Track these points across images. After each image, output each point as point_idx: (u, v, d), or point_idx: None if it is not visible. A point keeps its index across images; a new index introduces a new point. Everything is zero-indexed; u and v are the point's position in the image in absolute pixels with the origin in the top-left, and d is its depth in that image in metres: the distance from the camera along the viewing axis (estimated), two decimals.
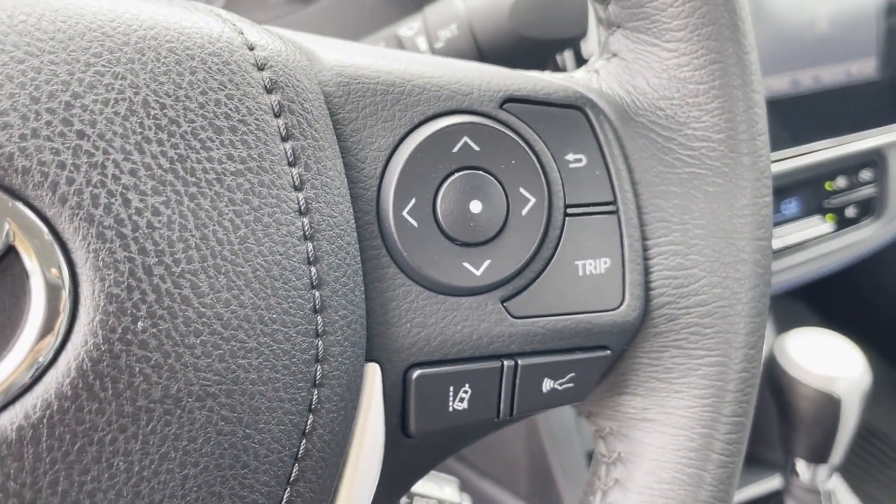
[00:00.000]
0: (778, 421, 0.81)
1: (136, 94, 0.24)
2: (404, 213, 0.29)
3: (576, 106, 0.32)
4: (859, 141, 0.88)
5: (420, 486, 0.43)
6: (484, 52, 0.50)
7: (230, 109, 0.25)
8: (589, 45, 0.67)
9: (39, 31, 0.23)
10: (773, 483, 0.98)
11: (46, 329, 0.22)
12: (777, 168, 0.82)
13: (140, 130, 0.23)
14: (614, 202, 0.31)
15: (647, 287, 0.32)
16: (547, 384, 0.31)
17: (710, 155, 0.31)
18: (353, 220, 0.28)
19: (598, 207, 0.31)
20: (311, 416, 0.26)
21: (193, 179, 0.24)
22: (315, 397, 0.26)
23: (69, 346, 0.22)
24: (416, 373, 0.29)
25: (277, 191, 0.25)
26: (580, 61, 0.68)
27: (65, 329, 0.22)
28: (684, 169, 0.32)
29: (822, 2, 0.83)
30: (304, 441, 0.26)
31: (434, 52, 0.51)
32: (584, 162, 0.31)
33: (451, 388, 0.30)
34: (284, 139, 0.26)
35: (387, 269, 0.29)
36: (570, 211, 0.31)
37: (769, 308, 0.33)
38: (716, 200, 0.31)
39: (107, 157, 0.23)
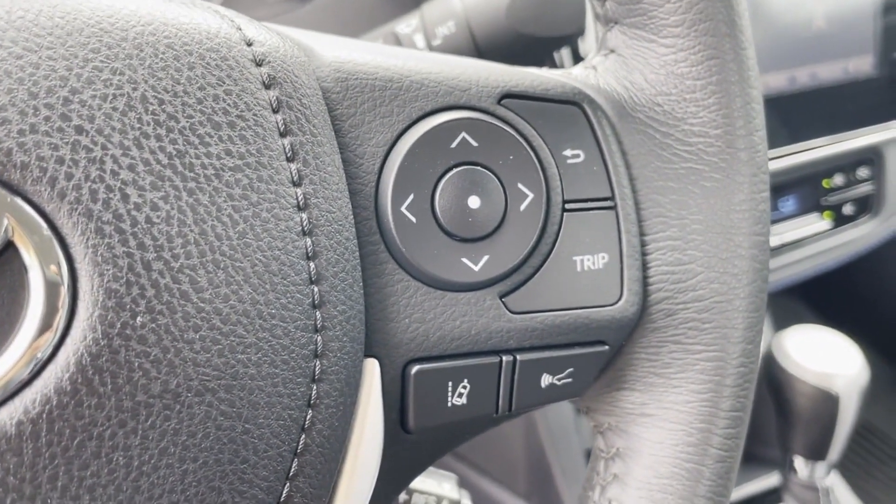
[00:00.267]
0: (776, 418, 0.81)
1: (135, 89, 0.24)
2: (403, 209, 0.29)
3: (573, 102, 0.32)
4: (856, 138, 0.88)
5: (419, 483, 0.43)
6: (481, 49, 0.50)
7: (228, 105, 0.25)
8: (586, 45, 0.67)
9: (37, 26, 0.23)
10: (771, 480, 0.98)
11: (45, 325, 0.22)
12: (774, 165, 0.83)
13: (138, 126, 0.23)
14: (612, 198, 0.31)
15: (644, 282, 0.32)
16: (545, 379, 0.31)
17: (708, 150, 0.31)
18: (352, 216, 0.28)
19: (596, 203, 0.31)
20: (310, 411, 0.26)
21: (192, 175, 0.24)
22: (314, 392, 0.26)
23: (68, 341, 0.22)
24: (415, 368, 0.29)
25: (276, 186, 0.25)
26: (577, 59, 0.68)
27: (63, 325, 0.22)
28: (682, 164, 0.32)
29: None
30: (303, 436, 0.26)
31: (432, 49, 0.51)
32: (582, 157, 0.31)
33: (450, 384, 0.30)
34: (283, 135, 0.26)
35: (385, 265, 0.29)
36: (568, 206, 0.31)
37: (766, 306, 0.33)
38: (713, 196, 0.31)
39: (105, 152, 0.23)
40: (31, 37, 0.23)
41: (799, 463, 0.81)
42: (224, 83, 0.25)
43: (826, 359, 0.76)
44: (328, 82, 0.28)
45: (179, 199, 0.24)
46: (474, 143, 0.29)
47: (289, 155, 0.26)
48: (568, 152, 0.31)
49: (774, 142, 0.82)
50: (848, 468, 1.20)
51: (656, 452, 0.32)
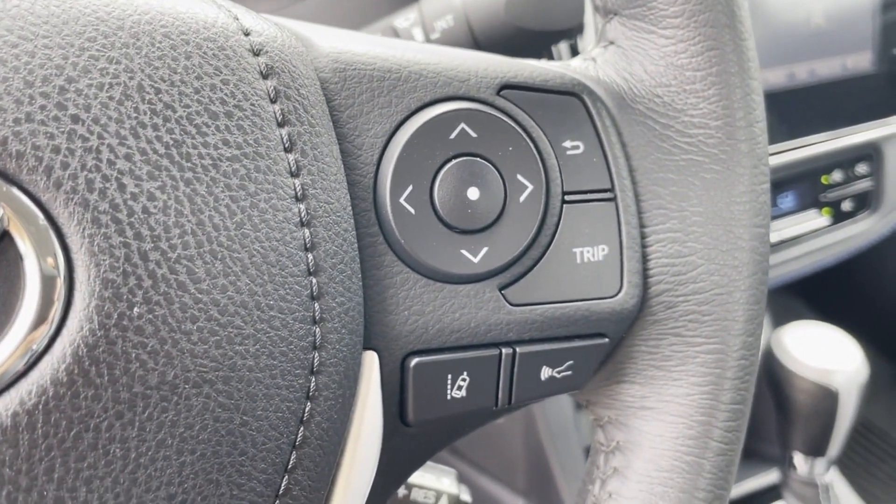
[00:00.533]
0: (775, 414, 0.81)
1: (131, 78, 0.23)
2: (401, 200, 0.28)
3: (573, 93, 0.31)
4: (855, 134, 0.88)
5: (418, 477, 0.43)
6: (480, 43, 0.50)
7: (226, 95, 0.25)
8: (585, 42, 0.67)
9: (33, 15, 0.23)
10: (770, 477, 0.98)
11: (41, 316, 0.22)
12: (773, 161, 0.82)
13: (135, 115, 0.23)
14: (612, 189, 0.31)
15: (645, 274, 0.32)
16: (545, 372, 0.31)
17: (708, 142, 0.31)
18: (350, 207, 0.27)
19: (596, 194, 0.31)
20: (308, 403, 0.26)
21: (189, 165, 0.24)
22: (313, 384, 0.26)
23: (65, 331, 0.22)
24: (414, 361, 0.29)
25: (274, 176, 0.25)
26: (575, 54, 0.68)
27: (59, 316, 0.22)
28: (682, 156, 0.31)
29: None
30: (301, 428, 0.26)
31: (430, 43, 0.51)
32: (582, 149, 0.31)
33: (450, 376, 0.30)
34: (280, 125, 0.26)
35: (384, 257, 0.29)
36: (567, 198, 0.31)
37: (766, 302, 0.33)
38: (713, 187, 0.31)
39: (101, 141, 0.23)
40: (27, 25, 0.23)
41: (798, 459, 0.81)
42: (221, 73, 0.25)
43: (825, 355, 0.76)
44: (326, 73, 0.28)
45: (176, 189, 0.23)
46: (473, 134, 0.29)
47: (287, 145, 0.26)
48: (567, 143, 0.31)
49: (773, 138, 0.82)
50: (847, 466, 1.21)
51: (657, 445, 0.32)
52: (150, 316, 0.23)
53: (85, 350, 0.22)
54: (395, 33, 0.51)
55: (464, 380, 0.30)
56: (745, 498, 0.96)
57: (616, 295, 0.31)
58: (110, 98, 0.23)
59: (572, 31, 0.51)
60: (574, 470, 0.90)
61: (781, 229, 0.87)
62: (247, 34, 0.26)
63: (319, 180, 0.26)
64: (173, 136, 0.24)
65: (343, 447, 0.28)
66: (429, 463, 0.43)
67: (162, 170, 0.23)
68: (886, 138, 0.90)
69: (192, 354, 0.23)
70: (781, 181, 0.87)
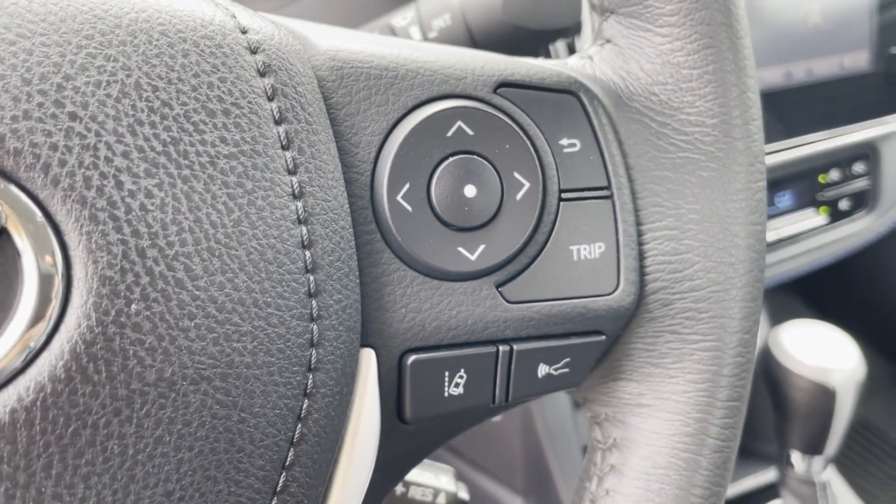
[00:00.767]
0: (773, 412, 0.81)
1: (129, 76, 0.24)
2: (398, 198, 0.29)
3: (570, 91, 0.32)
4: (852, 133, 0.88)
5: (416, 475, 0.43)
6: (477, 42, 0.50)
7: (223, 92, 0.25)
8: (583, 42, 0.67)
9: (30, 12, 0.23)
10: (768, 476, 0.98)
11: (38, 314, 0.22)
12: (771, 160, 0.83)
13: (132, 113, 0.23)
14: (608, 187, 0.31)
15: (641, 272, 0.32)
16: (542, 369, 0.31)
17: (704, 140, 0.31)
18: (348, 205, 0.27)
19: (593, 192, 0.31)
20: (306, 400, 0.26)
21: (186, 162, 0.24)
22: (310, 381, 0.26)
23: (62, 328, 0.22)
24: (412, 358, 0.29)
25: (271, 174, 0.25)
26: (572, 52, 0.68)
27: (57, 313, 0.22)
28: (678, 154, 0.32)
29: None
30: (299, 425, 0.26)
31: (427, 41, 0.51)
32: (579, 147, 0.31)
33: (447, 374, 0.30)
34: (278, 122, 0.26)
35: (381, 254, 0.29)
36: (564, 196, 0.31)
37: (763, 301, 0.33)
38: (710, 185, 0.31)
39: (99, 139, 0.23)
40: (25, 23, 0.23)
41: (796, 457, 0.81)
42: (219, 70, 0.25)
43: (823, 353, 0.76)
44: (323, 71, 0.28)
45: (174, 187, 0.24)
46: (470, 132, 0.29)
47: (284, 143, 0.26)
48: (564, 141, 0.31)
49: (771, 137, 0.82)
50: (845, 465, 1.21)
51: (653, 443, 0.32)
52: (148, 313, 0.23)
53: (83, 347, 0.22)
54: (393, 32, 0.51)
55: (461, 377, 0.30)
56: (742, 496, 0.96)
57: (613, 292, 0.31)
58: (108, 95, 0.23)
59: (569, 30, 0.52)
60: (572, 469, 0.90)
61: (779, 228, 0.88)
62: (244, 32, 0.26)
63: (317, 178, 0.26)
64: (171, 133, 0.24)
65: (340, 444, 0.28)
66: (427, 461, 0.44)
67: (159, 167, 0.23)
68: (883, 137, 0.91)
69: (190, 351, 0.23)
70: (779, 180, 0.87)
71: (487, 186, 0.29)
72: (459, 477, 0.46)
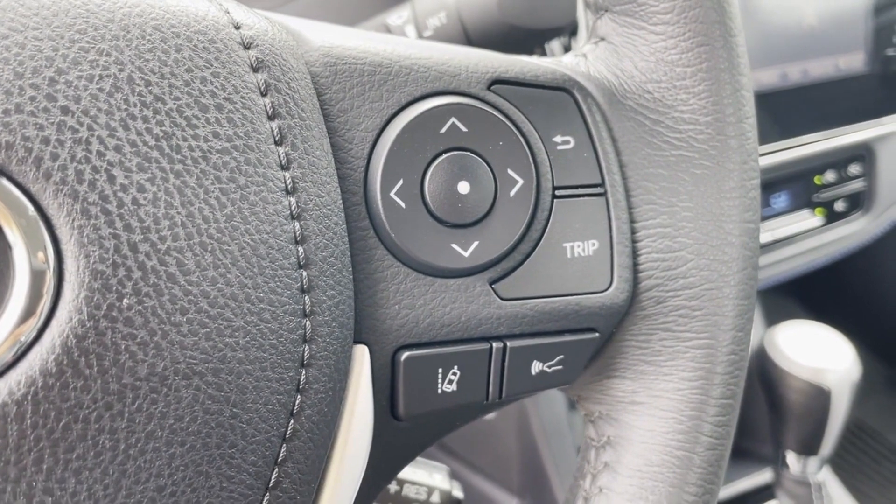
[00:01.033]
0: (768, 413, 0.81)
1: (121, 70, 0.24)
2: (392, 194, 0.29)
3: (563, 88, 0.32)
4: (848, 135, 0.89)
5: (410, 473, 0.43)
6: (472, 40, 0.50)
7: (216, 87, 0.25)
8: (579, 42, 0.67)
9: (23, 6, 0.23)
10: (763, 477, 0.98)
11: (29, 309, 0.22)
12: (766, 161, 0.83)
13: (125, 107, 0.23)
14: (602, 184, 0.31)
15: (635, 269, 0.32)
16: (536, 366, 0.31)
17: (698, 138, 0.31)
18: (341, 201, 0.27)
19: (586, 189, 0.31)
20: (298, 396, 0.26)
21: (179, 157, 0.24)
22: (303, 377, 0.26)
23: (54, 322, 0.22)
24: (405, 355, 0.29)
25: (264, 169, 0.25)
26: (567, 51, 0.68)
27: (49, 307, 0.22)
28: (672, 152, 0.32)
29: None
30: (291, 421, 0.26)
31: (422, 40, 0.51)
32: (572, 144, 0.31)
33: (440, 370, 0.30)
34: (271, 118, 0.26)
35: (374, 251, 0.29)
36: (558, 193, 0.31)
37: (758, 302, 0.33)
38: (703, 183, 0.31)
39: (91, 133, 0.23)
40: (17, 17, 0.23)
41: (791, 458, 0.81)
42: (212, 66, 0.25)
43: (818, 354, 0.77)
44: (317, 67, 0.28)
45: (166, 181, 0.23)
46: (464, 129, 0.29)
47: (277, 138, 0.26)
48: (558, 139, 0.31)
49: (766, 138, 0.82)
50: (840, 466, 1.21)
51: (647, 440, 0.32)
52: (140, 307, 0.23)
53: (74, 341, 0.22)
54: (388, 30, 0.51)
55: (454, 374, 0.30)
56: (738, 497, 0.96)
57: (606, 290, 0.31)
58: (100, 90, 0.23)
59: (565, 29, 0.52)
60: (567, 468, 0.90)
61: (775, 229, 0.88)
62: (237, 27, 0.26)
63: (310, 173, 0.26)
64: (163, 128, 0.24)
65: (333, 441, 0.28)
66: (420, 459, 0.44)
67: (152, 161, 0.23)
68: (879, 139, 0.91)
69: (182, 346, 0.23)
70: (775, 181, 0.87)
71: (481, 183, 0.29)
72: (454, 477, 0.46)
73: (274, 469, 0.26)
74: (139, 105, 0.24)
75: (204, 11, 0.26)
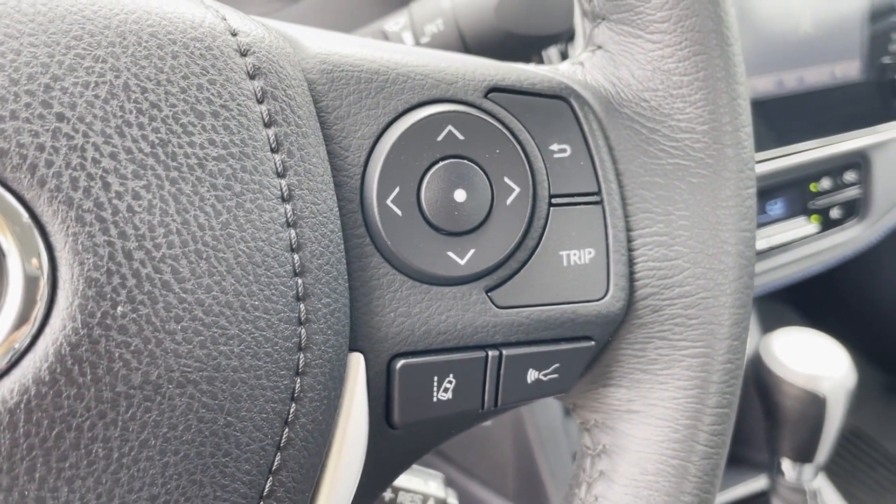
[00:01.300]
0: (763, 420, 0.81)
1: (117, 77, 0.23)
2: (388, 202, 0.28)
3: (560, 96, 0.32)
4: (844, 142, 0.89)
5: (405, 481, 0.43)
6: (470, 47, 0.50)
7: (212, 94, 0.25)
8: (575, 48, 0.67)
9: (19, 13, 0.23)
10: (759, 483, 0.98)
11: (23, 317, 0.22)
12: (762, 169, 0.83)
13: (121, 114, 0.23)
14: (599, 193, 0.31)
15: (631, 278, 0.32)
16: (531, 375, 0.31)
17: (694, 146, 0.31)
18: (337, 208, 0.27)
19: (583, 198, 0.31)
20: (293, 404, 0.26)
21: (174, 164, 0.24)
22: (298, 386, 0.26)
23: (47, 330, 0.22)
24: (401, 363, 0.29)
25: (260, 177, 0.25)
26: (565, 58, 0.68)
27: (42, 315, 0.22)
28: (668, 160, 0.32)
29: (806, 4, 0.84)
30: (286, 430, 0.26)
31: (419, 47, 0.51)
32: (569, 152, 0.31)
33: (436, 379, 0.30)
34: (267, 125, 0.26)
35: (370, 258, 0.29)
36: (554, 201, 0.31)
37: (754, 309, 0.33)
38: (700, 191, 0.31)
39: (87, 140, 0.23)
40: (13, 23, 0.23)
41: (786, 465, 0.81)
42: (208, 73, 0.25)
43: (813, 361, 0.76)
44: (313, 74, 0.28)
45: (161, 189, 0.23)
46: (461, 137, 0.29)
47: (273, 146, 0.26)
48: (555, 147, 0.31)
49: (762, 145, 0.82)
50: (836, 473, 1.21)
51: (642, 449, 0.32)
52: (134, 315, 0.23)
53: (68, 349, 0.22)
54: (386, 37, 0.51)
55: (450, 382, 0.30)
56: None
57: (602, 298, 0.31)
58: (96, 96, 0.23)
59: (562, 36, 0.52)
60: (563, 475, 0.90)
61: (770, 236, 0.88)
62: (234, 35, 0.26)
63: (306, 181, 0.26)
64: (159, 135, 0.24)
65: (328, 449, 0.28)
66: (415, 466, 0.43)
67: (147, 169, 0.23)
68: (874, 146, 0.91)
69: (176, 354, 0.23)
70: (770, 188, 0.87)
71: (477, 191, 0.29)
72: (450, 483, 0.46)
73: (268, 478, 0.26)
74: (135, 112, 0.23)
75: (200, 18, 0.26)
